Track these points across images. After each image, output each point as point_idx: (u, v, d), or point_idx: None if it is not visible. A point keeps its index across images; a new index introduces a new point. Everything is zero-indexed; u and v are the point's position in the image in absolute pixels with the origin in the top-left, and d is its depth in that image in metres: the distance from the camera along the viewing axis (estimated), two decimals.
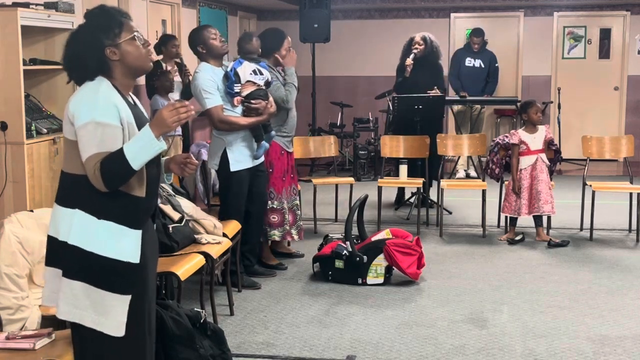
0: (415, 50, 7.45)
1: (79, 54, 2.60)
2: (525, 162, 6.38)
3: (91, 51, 2.58)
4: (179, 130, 6.91)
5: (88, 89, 2.59)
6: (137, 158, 2.49)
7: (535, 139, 6.38)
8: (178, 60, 7.36)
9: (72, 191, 2.60)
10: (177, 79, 7.25)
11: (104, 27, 2.60)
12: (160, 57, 7.45)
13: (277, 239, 5.56)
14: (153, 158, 2.65)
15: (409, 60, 7.41)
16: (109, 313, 2.58)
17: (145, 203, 2.65)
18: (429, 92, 7.35)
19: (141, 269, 2.64)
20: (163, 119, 2.52)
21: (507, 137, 6.51)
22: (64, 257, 2.57)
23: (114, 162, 2.49)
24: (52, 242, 2.63)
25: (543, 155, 6.39)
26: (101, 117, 2.51)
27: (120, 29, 2.61)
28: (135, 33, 2.65)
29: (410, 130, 7.19)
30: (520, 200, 6.33)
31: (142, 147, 2.50)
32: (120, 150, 2.49)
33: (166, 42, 7.39)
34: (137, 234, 2.62)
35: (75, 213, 2.56)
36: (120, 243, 2.58)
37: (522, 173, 6.37)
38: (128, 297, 2.60)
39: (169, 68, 7.28)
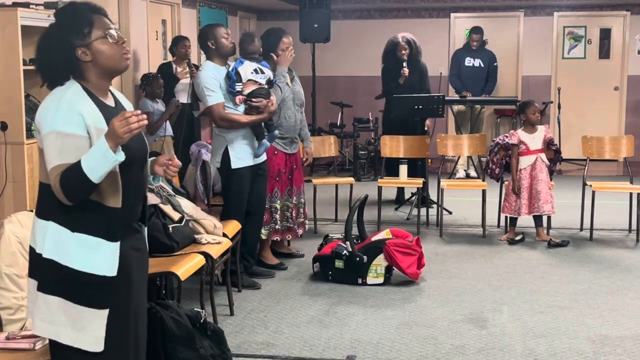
0: (404, 57, 7.47)
1: (49, 56, 2.48)
2: (525, 162, 6.38)
3: (61, 53, 2.46)
4: (169, 130, 6.91)
5: (54, 95, 2.46)
6: (94, 171, 2.35)
7: (534, 139, 6.38)
8: (187, 61, 7.39)
9: (47, 202, 2.49)
10: (187, 80, 7.26)
11: (73, 27, 2.47)
12: (173, 58, 7.48)
13: (263, 237, 5.54)
14: (138, 161, 2.58)
15: (406, 70, 7.43)
16: (86, 328, 2.49)
17: (122, 214, 2.52)
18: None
19: (121, 281, 2.53)
20: (114, 131, 2.34)
21: (507, 137, 6.51)
22: (40, 270, 2.49)
23: (73, 175, 2.36)
24: (31, 252, 2.54)
25: (542, 155, 6.39)
26: (62, 126, 2.38)
27: (90, 27, 2.47)
28: (108, 30, 2.50)
29: (402, 131, 7.21)
30: (520, 200, 6.34)
31: (98, 160, 2.35)
32: (78, 163, 2.35)
33: (177, 43, 7.43)
34: (113, 246, 2.50)
35: (49, 225, 2.47)
36: (95, 256, 2.47)
37: (521, 173, 6.37)
38: (105, 312, 2.51)
39: (179, 70, 7.32)
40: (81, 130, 2.42)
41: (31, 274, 2.55)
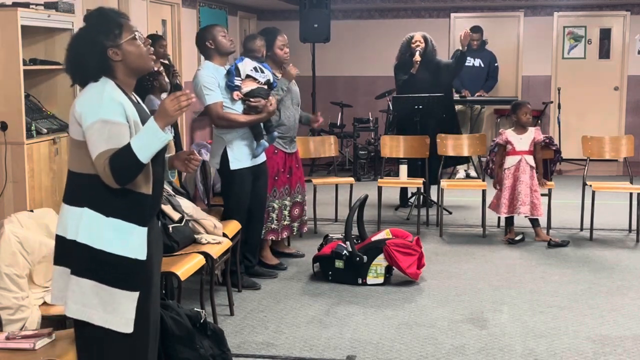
0: (418, 49, 7.38)
1: (81, 57, 2.66)
2: (509, 162, 6.37)
3: (93, 53, 2.64)
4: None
5: (93, 89, 2.63)
6: (144, 150, 2.53)
7: (521, 140, 6.37)
8: (165, 61, 7.24)
9: (80, 190, 2.65)
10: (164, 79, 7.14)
11: (104, 29, 2.66)
12: None
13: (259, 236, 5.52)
14: (158, 157, 2.69)
15: (418, 57, 7.32)
16: (117, 310, 2.62)
17: (152, 200, 2.71)
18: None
19: (147, 266, 2.69)
20: (165, 110, 2.58)
21: None
22: (73, 255, 2.62)
23: (123, 157, 2.53)
24: (60, 241, 2.67)
25: (528, 157, 6.34)
26: (107, 115, 2.56)
27: (120, 29, 2.67)
28: (136, 33, 2.71)
29: (414, 130, 7.18)
30: (501, 199, 6.34)
31: (148, 140, 2.54)
32: (128, 145, 2.53)
33: (153, 43, 7.21)
34: (143, 231, 2.67)
35: (83, 211, 2.61)
36: (128, 240, 2.63)
37: (505, 172, 6.37)
38: (136, 294, 2.65)
39: (156, 69, 7.12)
40: (124, 119, 2.60)
41: (60, 262, 2.67)
